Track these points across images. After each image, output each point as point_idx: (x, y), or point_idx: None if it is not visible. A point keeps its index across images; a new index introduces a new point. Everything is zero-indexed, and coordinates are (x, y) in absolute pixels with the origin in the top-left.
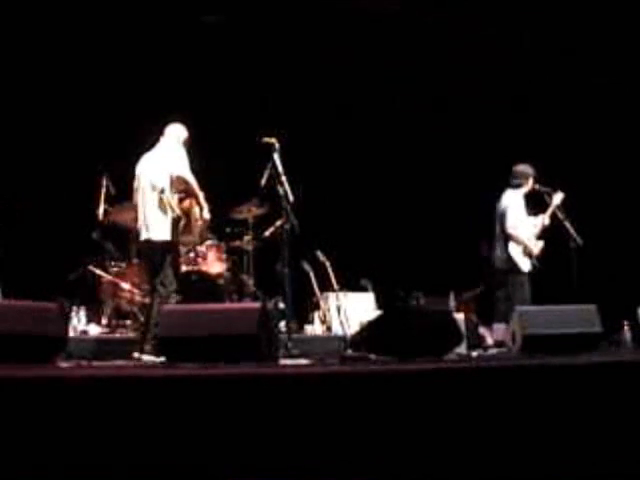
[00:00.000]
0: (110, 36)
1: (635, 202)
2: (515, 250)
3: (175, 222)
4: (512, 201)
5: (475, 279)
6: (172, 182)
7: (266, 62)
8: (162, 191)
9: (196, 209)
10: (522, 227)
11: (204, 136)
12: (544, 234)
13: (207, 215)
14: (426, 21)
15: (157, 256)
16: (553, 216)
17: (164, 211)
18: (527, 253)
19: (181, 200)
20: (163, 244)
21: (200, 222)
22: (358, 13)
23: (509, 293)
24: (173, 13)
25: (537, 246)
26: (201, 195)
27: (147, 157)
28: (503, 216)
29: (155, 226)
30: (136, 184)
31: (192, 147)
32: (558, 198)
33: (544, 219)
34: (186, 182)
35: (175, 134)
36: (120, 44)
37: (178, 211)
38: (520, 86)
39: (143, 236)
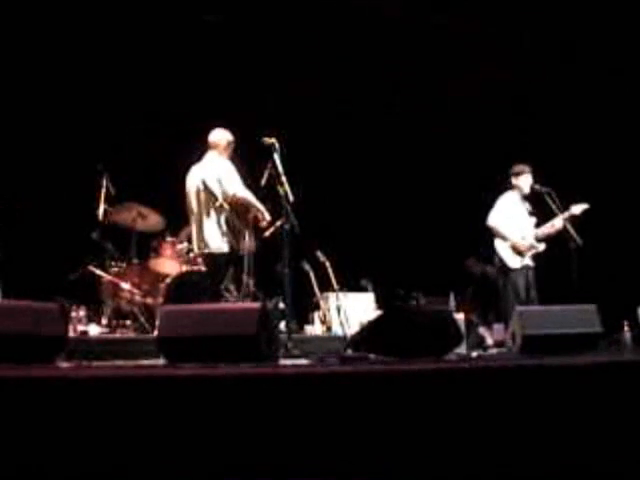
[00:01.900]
0: (110, 35)
1: (635, 202)
2: (501, 247)
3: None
4: (501, 201)
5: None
6: (225, 198)
7: (266, 62)
8: (221, 205)
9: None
10: (512, 225)
11: (204, 136)
12: (553, 237)
13: (267, 216)
14: (426, 21)
15: (220, 267)
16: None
17: (219, 224)
18: (517, 251)
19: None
20: (222, 256)
21: (247, 227)
22: (359, 13)
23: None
24: (175, 12)
25: (534, 247)
26: (253, 200)
27: (194, 171)
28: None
29: (212, 239)
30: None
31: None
32: (579, 208)
33: (556, 222)
34: (232, 196)
35: (215, 144)
36: (120, 43)
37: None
38: (521, 87)
39: (204, 250)
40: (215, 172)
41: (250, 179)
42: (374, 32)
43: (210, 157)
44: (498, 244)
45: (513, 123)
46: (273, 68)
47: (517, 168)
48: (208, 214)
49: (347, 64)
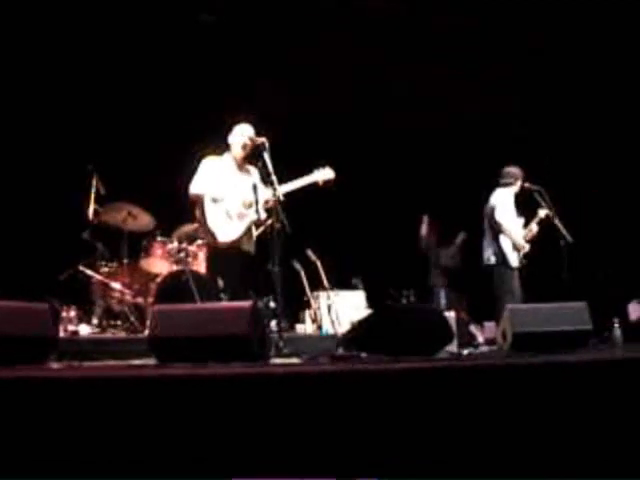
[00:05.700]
0: (104, 36)
1: (626, 200)
2: (506, 244)
3: None
4: (502, 198)
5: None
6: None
7: (260, 62)
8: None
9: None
10: (512, 223)
11: (201, 135)
12: (533, 239)
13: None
14: (426, 21)
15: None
16: (541, 222)
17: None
18: (516, 248)
19: None
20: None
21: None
22: (358, 13)
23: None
24: (170, 13)
25: (524, 247)
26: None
27: None
28: (493, 211)
29: None
30: None
31: (192, 147)
32: (542, 213)
33: (532, 227)
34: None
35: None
36: (114, 44)
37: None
38: (518, 87)
39: None
40: None
41: None
42: (373, 32)
43: None
44: (503, 241)
45: (505, 122)
46: (267, 68)
47: (516, 170)
48: None
49: (344, 64)
